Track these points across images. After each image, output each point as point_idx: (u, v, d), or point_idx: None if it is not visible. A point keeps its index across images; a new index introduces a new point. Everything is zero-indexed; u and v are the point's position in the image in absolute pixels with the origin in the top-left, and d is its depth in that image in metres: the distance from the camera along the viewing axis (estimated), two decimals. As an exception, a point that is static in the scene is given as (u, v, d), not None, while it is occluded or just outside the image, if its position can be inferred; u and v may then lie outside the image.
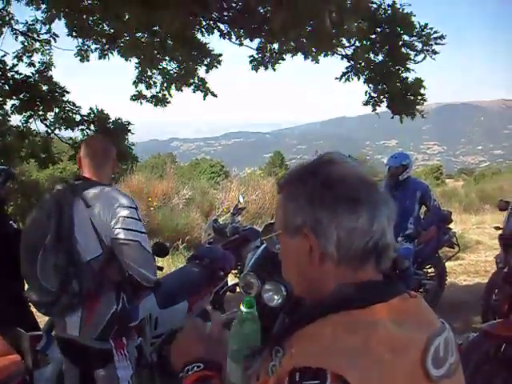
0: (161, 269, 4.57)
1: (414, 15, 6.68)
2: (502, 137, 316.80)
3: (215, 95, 8.69)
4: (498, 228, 6.58)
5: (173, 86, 8.54)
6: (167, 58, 8.17)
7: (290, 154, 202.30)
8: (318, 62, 7.03)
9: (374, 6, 6.72)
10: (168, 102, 8.80)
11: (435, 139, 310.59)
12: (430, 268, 7.80)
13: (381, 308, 1.18)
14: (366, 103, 7.47)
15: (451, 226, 8.25)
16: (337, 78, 7.29)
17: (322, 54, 6.71)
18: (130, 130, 9.04)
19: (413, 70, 7.07)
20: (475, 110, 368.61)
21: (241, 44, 7.27)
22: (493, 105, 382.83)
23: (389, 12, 6.66)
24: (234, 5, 6.56)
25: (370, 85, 7.22)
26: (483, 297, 6.15)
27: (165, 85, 8.55)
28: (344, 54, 7.02)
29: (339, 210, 1.20)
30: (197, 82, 8.51)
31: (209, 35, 7.56)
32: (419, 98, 7.15)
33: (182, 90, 8.62)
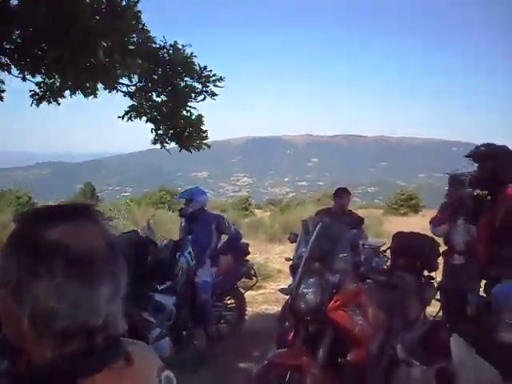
0: None
1: (195, 56, 6.89)
2: (307, 169, 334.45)
3: None
4: (288, 259, 6.86)
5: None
6: None
7: (104, 185, 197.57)
8: (96, 97, 6.88)
9: (157, 46, 6.81)
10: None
11: (245, 171, 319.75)
12: (229, 299, 7.94)
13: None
14: (155, 141, 7.48)
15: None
16: (119, 117, 7.19)
17: (107, 91, 6.65)
18: None
19: (195, 109, 7.26)
20: (283, 144, 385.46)
21: (24, 79, 6.91)
22: (299, 139, 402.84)
23: (171, 53, 6.77)
24: (14, 37, 6.26)
25: (153, 124, 7.27)
26: (276, 326, 6.35)
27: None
28: (127, 91, 6.99)
29: (41, 284, 1.03)
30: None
31: None
32: (202, 133, 7.36)
33: None
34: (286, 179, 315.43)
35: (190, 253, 6.79)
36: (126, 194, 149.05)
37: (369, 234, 17.94)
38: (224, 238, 7.85)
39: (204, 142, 7.45)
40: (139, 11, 5.83)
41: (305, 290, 4.20)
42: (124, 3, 5.64)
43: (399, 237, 6.59)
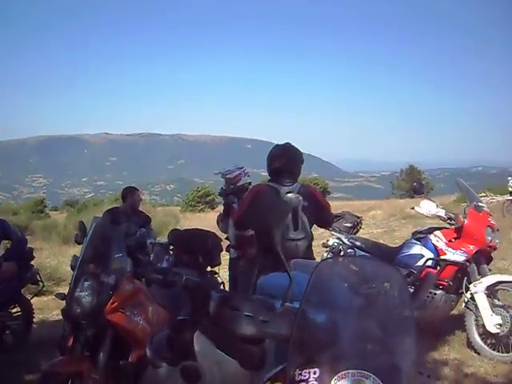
0: None
1: None
2: (105, 168, 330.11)
3: None
4: (73, 262, 6.71)
5: None
6: None
7: None
8: None
9: None
10: None
11: (41, 172, 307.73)
12: (14, 308, 7.54)
13: None
14: None
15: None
16: None
17: None
18: None
19: None
20: (79, 143, 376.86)
21: None
22: (96, 138, 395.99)
23: None
24: None
25: None
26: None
27: None
28: None
29: None
30: None
31: None
32: None
33: None
34: (84, 179, 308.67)
35: None
36: None
37: (166, 232, 18.09)
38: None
39: None
40: None
41: (80, 294, 4.11)
42: None
43: (175, 234, 6.68)
